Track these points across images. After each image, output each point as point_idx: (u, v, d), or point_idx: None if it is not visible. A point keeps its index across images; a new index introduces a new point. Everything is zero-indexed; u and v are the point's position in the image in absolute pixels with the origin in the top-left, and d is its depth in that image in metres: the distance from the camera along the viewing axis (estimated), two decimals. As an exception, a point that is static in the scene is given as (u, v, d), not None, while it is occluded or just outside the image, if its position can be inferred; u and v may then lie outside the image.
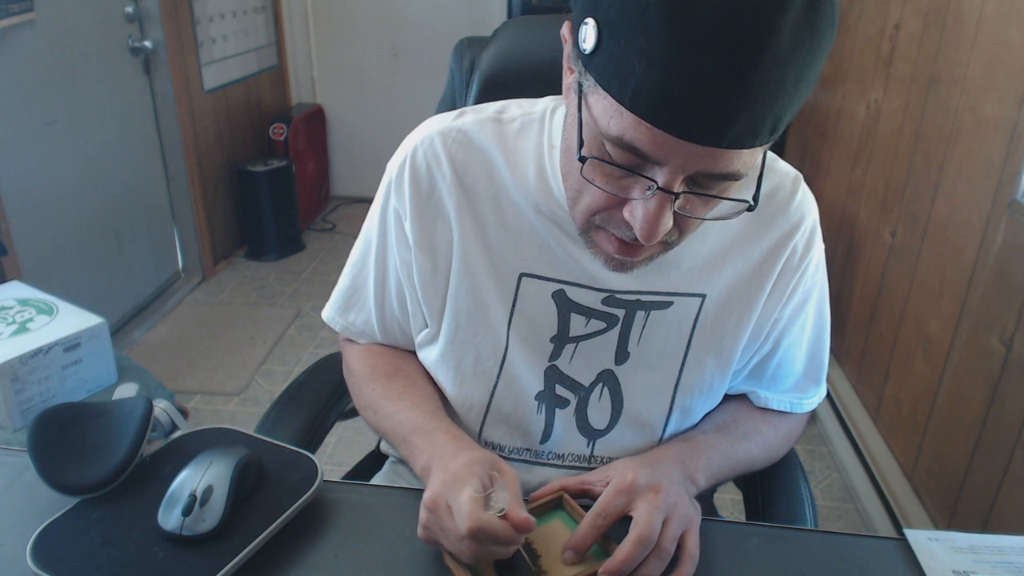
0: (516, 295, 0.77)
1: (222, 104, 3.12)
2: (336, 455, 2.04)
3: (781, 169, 0.79)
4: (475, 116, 0.79)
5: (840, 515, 1.94)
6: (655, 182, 0.58)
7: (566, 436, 0.81)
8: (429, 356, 0.83)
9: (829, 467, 2.12)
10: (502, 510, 0.62)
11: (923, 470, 1.77)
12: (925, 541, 0.69)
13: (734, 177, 0.58)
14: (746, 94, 0.52)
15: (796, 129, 2.83)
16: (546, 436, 0.81)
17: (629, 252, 0.66)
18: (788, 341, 0.82)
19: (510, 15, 3.35)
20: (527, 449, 0.82)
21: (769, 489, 0.89)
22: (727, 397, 0.86)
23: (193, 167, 2.92)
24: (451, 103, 1.08)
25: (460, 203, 0.77)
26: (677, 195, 0.58)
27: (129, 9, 2.58)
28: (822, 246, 0.81)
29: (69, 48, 2.29)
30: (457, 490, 0.62)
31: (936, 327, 1.73)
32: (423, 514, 0.64)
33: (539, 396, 0.80)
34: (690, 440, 0.79)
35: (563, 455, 0.82)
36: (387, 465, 1.01)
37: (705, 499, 1.01)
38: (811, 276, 0.80)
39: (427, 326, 0.83)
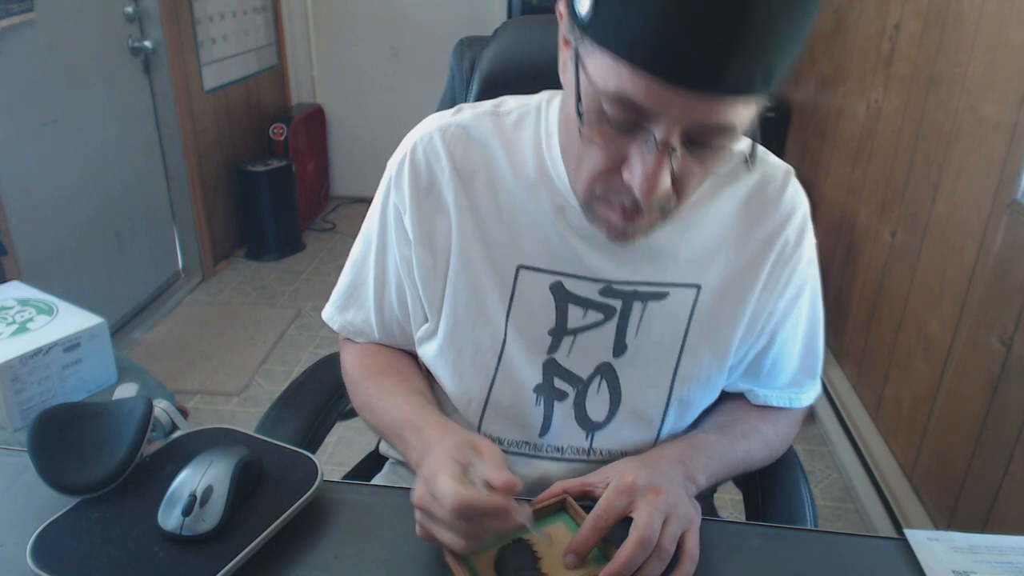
0: (514, 288, 0.78)
1: (222, 104, 3.12)
2: (336, 455, 2.04)
3: (773, 162, 0.80)
4: (473, 111, 0.80)
5: (840, 515, 1.94)
6: (653, 137, 0.59)
7: (565, 429, 0.81)
8: (428, 351, 0.83)
9: (829, 467, 2.12)
10: (485, 481, 0.61)
11: (923, 470, 1.77)
12: (925, 541, 0.69)
13: (729, 130, 0.60)
14: (739, 41, 0.54)
15: (796, 129, 2.83)
16: (545, 429, 0.82)
17: (631, 219, 0.67)
18: (783, 336, 0.83)
19: (510, 15, 3.35)
20: (526, 442, 0.83)
21: (769, 489, 0.89)
22: (725, 396, 0.86)
23: (193, 167, 2.92)
24: (451, 103, 1.08)
25: (459, 196, 0.77)
26: (675, 151, 0.60)
27: (129, 9, 2.58)
28: (813, 240, 0.82)
29: (69, 48, 2.29)
30: (435, 478, 0.62)
31: (936, 327, 1.73)
32: (416, 513, 0.65)
33: (537, 389, 0.80)
34: (689, 440, 0.79)
35: (562, 448, 0.82)
36: (387, 466, 1.01)
37: (705, 499, 1.01)
38: (803, 270, 0.81)
39: (427, 321, 0.83)
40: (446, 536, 0.62)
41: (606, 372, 0.80)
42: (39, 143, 2.18)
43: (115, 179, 2.56)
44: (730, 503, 1.79)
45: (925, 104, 1.86)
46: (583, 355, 0.79)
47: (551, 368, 0.79)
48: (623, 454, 0.82)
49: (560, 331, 0.78)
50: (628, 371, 0.80)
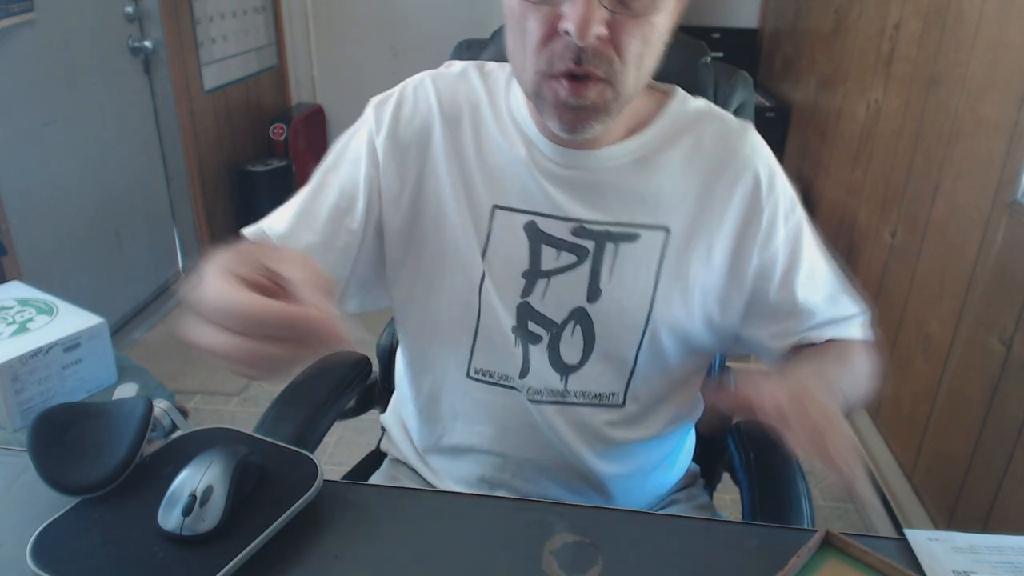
0: (490, 228, 0.81)
1: (222, 104, 3.12)
2: (336, 455, 2.04)
3: (730, 117, 0.85)
4: (462, 65, 0.87)
5: (840, 515, 1.94)
6: None
7: (541, 371, 0.83)
8: (412, 292, 0.85)
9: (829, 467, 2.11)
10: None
11: (923, 470, 1.77)
12: (925, 541, 0.69)
13: None
14: None
15: (796, 129, 2.82)
16: (524, 371, 0.83)
17: (578, 92, 0.69)
18: (800, 279, 0.83)
19: (510, 15, 3.34)
20: (511, 380, 0.84)
21: (767, 488, 0.89)
22: (797, 347, 0.86)
23: (193, 167, 2.92)
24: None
25: (444, 137, 0.82)
26: None
27: (129, 9, 2.58)
28: (790, 188, 0.84)
29: (69, 48, 2.29)
30: (202, 281, 0.49)
31: (936, 327, 1.73)
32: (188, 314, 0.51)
33: (514, 330, 0.82)
34: (807, 366, 0.79)
35: (541, 391, 0.83)
36: (385, 463, 1.01)
37: (705, 501, 1.01)
38: (788, 213, 0.82)
39: (363, 241, 0.83)
40: (211, 340, 0.49)
41: (580, 317, 0.81)
42: (39, 143, 2.18)
43: (115, 179, 2.56)
44: (730, 503, 1.79)
45: (925, 104, 1.86)
46: (557, 300, 0.81)
47: (525, 311, 0.81)
48: (596, 396, 0.84)
49: (534, 273, 0.80)
50: (602, 316, 0.81)
